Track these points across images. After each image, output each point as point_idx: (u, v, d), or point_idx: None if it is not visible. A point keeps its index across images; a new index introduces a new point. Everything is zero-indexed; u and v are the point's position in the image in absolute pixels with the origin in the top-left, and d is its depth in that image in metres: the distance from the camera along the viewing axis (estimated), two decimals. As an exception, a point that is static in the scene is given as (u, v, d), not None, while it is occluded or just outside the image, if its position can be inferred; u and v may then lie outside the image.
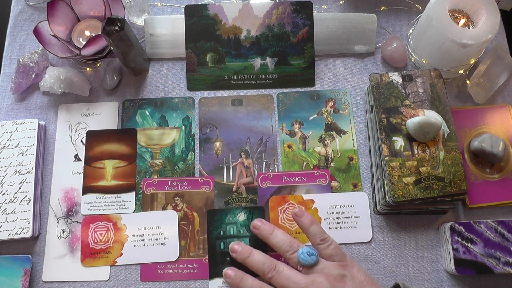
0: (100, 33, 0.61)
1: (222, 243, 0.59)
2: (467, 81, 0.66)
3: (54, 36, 0.65)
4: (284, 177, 0.62)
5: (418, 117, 0.55)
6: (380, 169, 0.58)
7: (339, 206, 0.60)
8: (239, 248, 0.55)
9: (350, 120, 0.65)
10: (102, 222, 0.60)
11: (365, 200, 0.61)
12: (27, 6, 0.73)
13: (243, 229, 0.59)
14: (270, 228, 0.55)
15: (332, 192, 0.61)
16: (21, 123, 0.63)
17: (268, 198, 0.61)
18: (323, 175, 0.62)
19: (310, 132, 0.65)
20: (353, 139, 0.64)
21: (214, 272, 0.58)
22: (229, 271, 0.54)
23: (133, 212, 0.61)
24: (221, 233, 0.59)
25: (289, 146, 0.64)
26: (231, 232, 0.59)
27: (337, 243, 0.52)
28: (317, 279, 0.49)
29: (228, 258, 0.58)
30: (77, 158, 0.64)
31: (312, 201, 0.60)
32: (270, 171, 0.63)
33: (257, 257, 0.53)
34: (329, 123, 0.65)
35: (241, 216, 0.60)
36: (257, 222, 0.56)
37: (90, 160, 0.63)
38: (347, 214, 0.60)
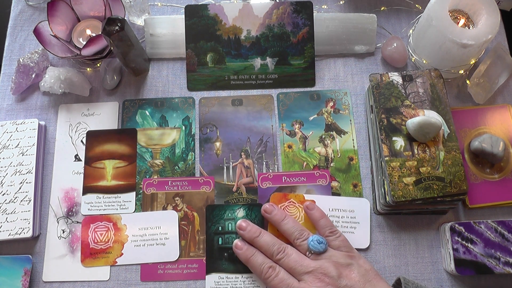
0: (100, 33, 0.61)
1: (220, 239, 0.59)
2: (467, 81, 0.66)
3: (54, 36, 0.65)
4: (284, 178, 0.62)
5: (418, 117, 0.55)
6: (380, 169, 0.58)
7: (339, 210, 0.60)
8: (247, 226, 0.56)
9: (350, 120, 0.65)
10: (102, 222, 0.60)
11: (367, 206, 0.60)
12: (27, 6, 0.73)
13: None
14: (282, 215, 0.56)
15: (332, 192, 0.61)
16: (21, 123, 0.63)
17: (268, 199, 0.61)
18: (323, 175, 0.62)
19: (310, 132, 0.65)
20: (353, 139, 0.64)
21: (211, 267, 0.58)
22: (239, 243, 0.56)
23: (133, 212, 0.61)
24: (220, 228, 0.59)
25: (289, 146, 0.64)
26: (230, 228, 0.59)
27: (345, 237, 0.54)
28: (324, 264, 0.51)
29: (225, 254, 0.58)
30: (77, 158, 0.64)
31: (313, 202, 0.60)
32: (270, 171, 0.63)
33: (267, 238, 0.55)
34: (329, 123, 0.65)
35: (240, 213, 0.60)
36: (270, 207, 0.57)
37: (90, 160, 0.63)
38: (347, 219, 0.59)
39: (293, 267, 0.52)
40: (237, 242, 0.56)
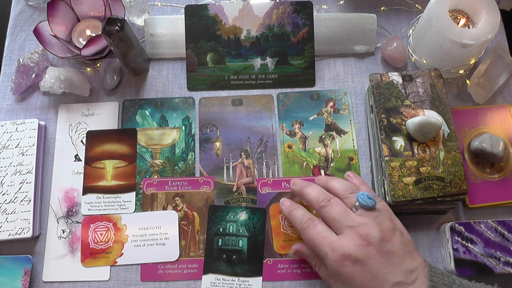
0: (100, 33, 0.61)
1: (220, 240, 0.59)
2: (467, 81, 0.66)
3: (54, 36, 0.65)
4: (283, 183, 0.62)
5: (418, 117, 0.55)
6: (380, 169, 0.58)
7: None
8: (297, 181, 0.56)
9: (350, 120, 0.65)
10: (102, 222, 0.60)
11: None
12: (27, 6, 0.73)
13: (243, 228, 0.59)
14: (332, 177, 0.56)
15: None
16: (21, 123, 0.63)
17: (268, 204, 0.61)
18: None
19: (310, 132, 0.65)
20: (353, 139, 0.64)
21: (209, 267, 0.58)
22: (285, 200, 0.56)
23: (133, 212, 0.61)
24: (221, 229, 0.59)
25: (289, 146, 0.64)
26: (231, 230, 0.59)
27: (385, 203, 0.52)
28: (370, 222, 0.47)
29: (224, 256, 0.58)
30: (77, 158, 0.64)
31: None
32: (271, 171, 0.63)
33: (314, 188, 0.53)
34: (329, 123, 0.65)
35: (242, 216, 0.60)
36: (319, 176, 0.58)
37: (90, 160, 0.63)
38: None
39: (336, 217, 0.48)
40: (284, 198, 0.56)
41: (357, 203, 0.49)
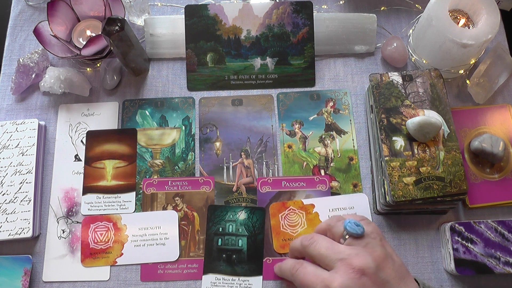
0: (100, 33, 0.61)
1: (219, 240, 0.59)
2: (467, 81, 0.66)
3: (54, 36, 0.65)
4: (283, 182, 0.62)
5: (418, 117, 0.55)
6: (380, 169, 0.58)
7: (339, 209, 0.60)
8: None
9: (350, 120, 0.65)
10: (102, 222, 0.60)
11: (365, 201, 0.61)
12: (27, 6, 0.73)
13: (242, 228, 0.59)
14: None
15: (332, 192, 0.61)
16: (21, 123, 0.63)
17: (268, 203, 0.61)
18: (323, 180, 0.62)
19: (310, 132, 0.65)
20: (353, 139, 0.64)
21: (209, 267, 0.58)
22: (275, 265, 0.55)
23: (133, 212, 0.61)
24: (220, 229, 0.59)
25: (289, 146, 0.64)
26: (230, 230, 0.59)
27: (375, 224, 0.50)
28: (361, 252, 0.45)
29: (224, 255, 0.58)
30: (77, 158, 0.64)
31: (313, 206, 0.60)
32: (271, 171, 0.63)
33: (296, 238, 0.51)
34: (329, 123, 0.65)
35: (242, 215, 0.60)
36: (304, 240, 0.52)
37: (90, 160, 0.63)
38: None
39: (324, 253, 0.46)
40: (274, 268, 0.55)
41: (345, 232, 0.47)
